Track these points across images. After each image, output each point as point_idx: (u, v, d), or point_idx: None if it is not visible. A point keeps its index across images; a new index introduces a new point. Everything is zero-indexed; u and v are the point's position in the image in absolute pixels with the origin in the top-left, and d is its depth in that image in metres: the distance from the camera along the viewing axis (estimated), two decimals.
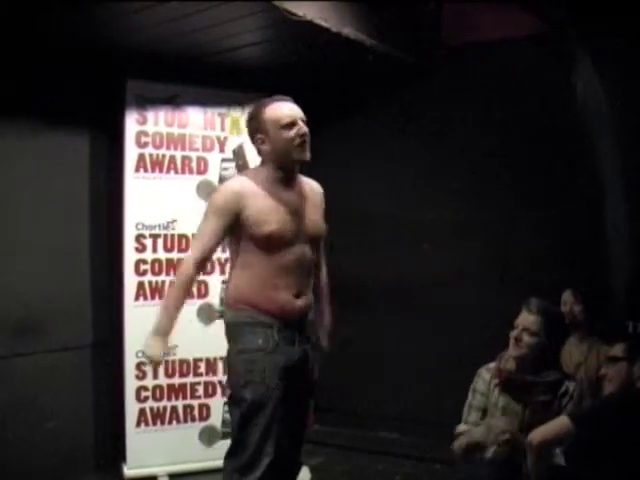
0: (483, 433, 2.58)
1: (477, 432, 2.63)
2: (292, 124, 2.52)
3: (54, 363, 3.63)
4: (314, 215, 2.64)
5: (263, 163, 2.61)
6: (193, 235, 2.78)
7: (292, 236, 2.51)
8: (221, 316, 2.92)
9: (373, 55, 3.86)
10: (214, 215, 2.50)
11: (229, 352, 2.58)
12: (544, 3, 3.82)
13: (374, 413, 4.56)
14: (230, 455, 2.52)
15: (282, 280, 2.50)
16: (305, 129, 2.55)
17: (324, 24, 3.43)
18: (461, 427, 2.73)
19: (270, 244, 2.47)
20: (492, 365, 2.81)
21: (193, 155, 3.91)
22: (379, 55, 3.88)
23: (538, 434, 2.48)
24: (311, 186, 2.73)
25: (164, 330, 2.51)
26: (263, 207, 2.48)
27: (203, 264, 2.56)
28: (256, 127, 2.57)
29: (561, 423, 2.47)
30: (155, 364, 2.62)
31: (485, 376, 2.78)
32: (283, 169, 2.56)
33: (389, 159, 4.54)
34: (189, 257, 2.53)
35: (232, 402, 2.55)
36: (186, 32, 3.45)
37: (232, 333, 2.56)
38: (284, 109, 2.55)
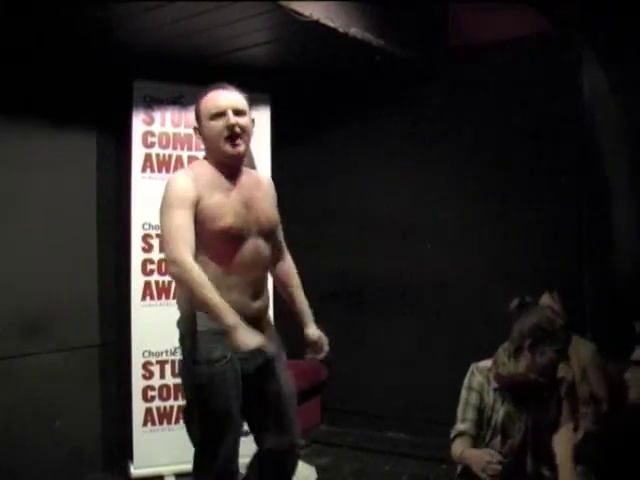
0: (478, 459, 2.51)
1: (472, 455, 2.55)
2: (220, 114, 2.36)
3: (62, 363, 3.64)
4: (266, 206, 2.49)
5: (206, 154, 2.49)
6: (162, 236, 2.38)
7: (246, 230, 2.37)
8: None
9: (380, 55, 3.86)
10: (177, 207, 2.26)
11: (183, 362, 2.43)
12: (552, 2, 3.81)
13: (381, 413, 4.56)
14: (199, 470, 2.39)
15: (237, 279, 2.34)
16: (234, 120, 2.36)
17: (331, 24, 3.42)
18: (460, 426, 2.65)
19: (224, 239, 2.32)
20: (482, 364, 2.74)
21: (199, 155, 3.89)
22: (386, 55, 3.88)
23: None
24: (259, 177, 2.61)
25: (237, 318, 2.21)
26: (217, 199, 2.32)
27: (193, 260, 2.24)
28: (195, 117, 2.46)
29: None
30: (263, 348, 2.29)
31: (479, 376, 2.71)
32: (221, 162, 2.41)
33: (392, 159, 4.54)
34: (178, 262, 2.20)
35: (191, 415, 2.40)
36: (193, 32, 3.46)
37: (186, 342, 2.38)
38: (216, 99, 2.39)
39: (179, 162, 3.85)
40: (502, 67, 4.08)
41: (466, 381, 2.73)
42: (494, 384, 2.67)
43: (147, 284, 3.77)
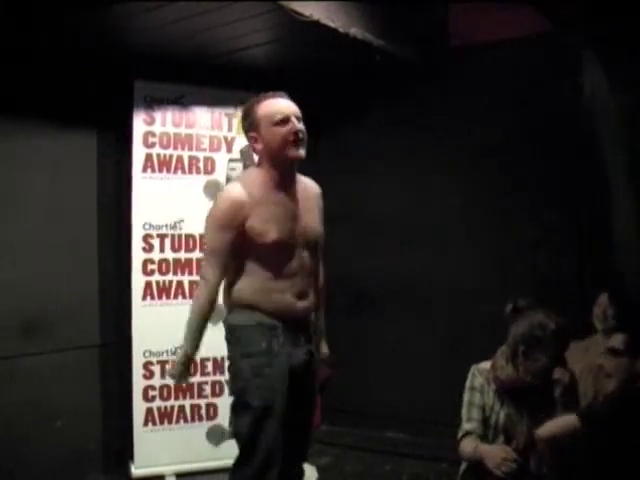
0: (493, 455, 2.52)
1: (487, 451, 2.55)
2: (285, 120, 2.41)
3: (62, 362, 3.64)
4: (312, 220, 2.57)
5: (259, 164, 2.52)
6: (203, 253, 2.58)
7: (292, 243, 2.46)
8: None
9: (380, 55, 3.86)
10: (220, 229, 2.42)
11: (232, 356, 2.52)
12: (553, 3, 3.81)
13: (382, 413, 4.55)
14: (239, 465, 2.45)
15: (284, 283, 2.45)
16: (299, 126, 2.43)
17: (331, 24, 3.43)
18: (466, 426, 2.68)
19: (271, 251, 2.42)
20: (482, 365, 2.77)
21: (200, 155, 3.91)
22: (386, 55, 3.88)
23: (546, 430, 2.47)
24: (309, 186, 2.64)
25: (187, 356, 2.51)
26: (264, 215, 2.41)
27: (219, 284, 2.49)
28: (249, 125, 2.48)
29: (569, 421, 2.46)
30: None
31: (479, 377, 2.73)
32: (279, 169, 2.46)
33: (393, 159, 4.54)
34: (206, 280, 2.46)
35: (238, 409, 2.46)
36: (193, 33, 3.46)
37: (235, 336, 2.50)
38: (277, 105, 2.45)
39: (180, 162, 3.85)
40: (502, 67, 4.08)
41: (468, 382, 2.76)
42: (494, 386, 2.69)
43: (148, 284, 3.77)
